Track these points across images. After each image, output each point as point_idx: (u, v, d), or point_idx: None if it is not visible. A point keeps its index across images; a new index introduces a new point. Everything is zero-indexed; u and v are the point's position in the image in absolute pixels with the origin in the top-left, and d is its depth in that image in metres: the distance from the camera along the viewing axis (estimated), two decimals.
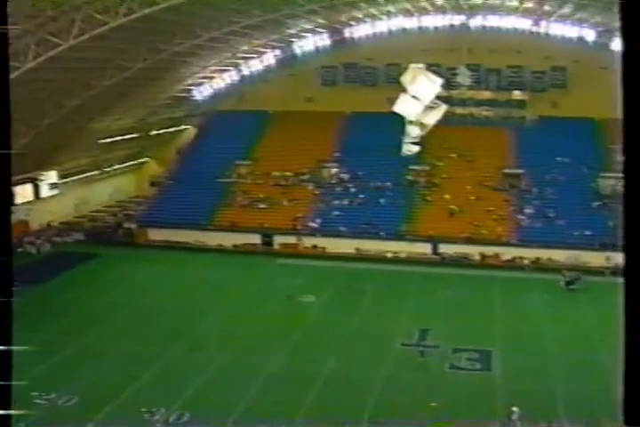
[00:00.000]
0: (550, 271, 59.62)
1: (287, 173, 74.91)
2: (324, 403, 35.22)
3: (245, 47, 76.11)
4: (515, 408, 33.00)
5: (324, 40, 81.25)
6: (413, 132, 33.86)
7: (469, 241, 64.92)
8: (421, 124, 33.38)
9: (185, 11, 52.03)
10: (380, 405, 35.09)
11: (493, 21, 78.64)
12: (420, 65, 34.28)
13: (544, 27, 77.65)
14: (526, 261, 63.36)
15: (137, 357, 40.82)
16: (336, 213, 69.51)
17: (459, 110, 76.99)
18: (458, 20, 78.69)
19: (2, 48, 7.71)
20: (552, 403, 35.76)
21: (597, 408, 34.97)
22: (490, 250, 64.64)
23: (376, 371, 39.32)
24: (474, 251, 64.61)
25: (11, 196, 7.90)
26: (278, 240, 67.71)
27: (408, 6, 75.40)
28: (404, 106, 32.38)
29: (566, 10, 70.69)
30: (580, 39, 77.43)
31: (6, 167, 7.66)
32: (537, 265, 62.61)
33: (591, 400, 35.78)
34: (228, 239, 67.32)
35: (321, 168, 76.22)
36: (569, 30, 77.36)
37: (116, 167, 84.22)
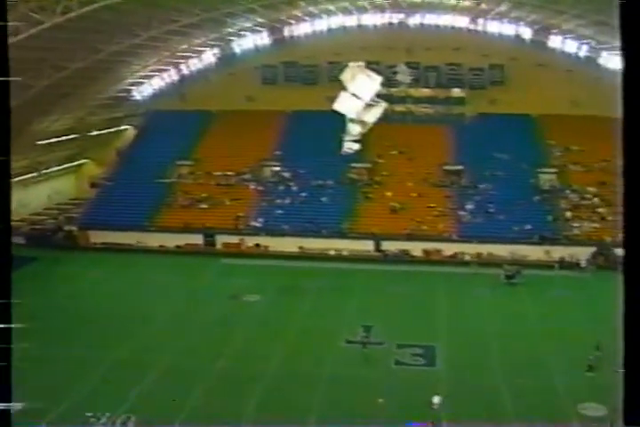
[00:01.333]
0: (492, 266, 60.37)
1: (229, 173, 74.58)
2: (270, 402, 35.19)
3: (185, 46, 75.63)
4: (436, 397, 33.50)
5: (263, 39, 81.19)
6: (354, 130, 33.90)
7: (411, 237, 65.35)
8: (362, 122, 33.43)
9: (123, 10, 51.46)
10: (326, 402, 35.22)
11: (432, 19, 79.37)
12: (360, 63, 34.30)
13: (482, 25, 78.59)
14: (468, 257, 64.02)
15: (80, 360, 40.31)
16: (278, 211, 69.43)
17: (399, 108, 77.61)
18: (397, 18, 79.25)
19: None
20: (496, 396, 36.26)
21: (540, 401, 35.80)
22: (432, 246, 65.10)
23: (322, 369, 39.42)
24: (416, 247, 65.00)
25: (9, 202, 7.76)
26: (221, 240, 67.33)
27: (347, 4, 75.68)
28: (344, 104, 32.40)
29: (503, 8, 71.56)
30: (517, 37, 78.52)
31: (5, 174, 7.56)
32: (479, 260, 63.32)
33: (534, 393, 36.54)
34: (171, 240, 66.78)
35: (262, 167, 76.08)
36: (506, 28, 78.40)
37: (54, 169, 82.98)
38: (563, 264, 62.09)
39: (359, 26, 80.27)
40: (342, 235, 66.13)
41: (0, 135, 7.47)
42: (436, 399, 33.79)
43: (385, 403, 34.02)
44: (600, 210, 68.27)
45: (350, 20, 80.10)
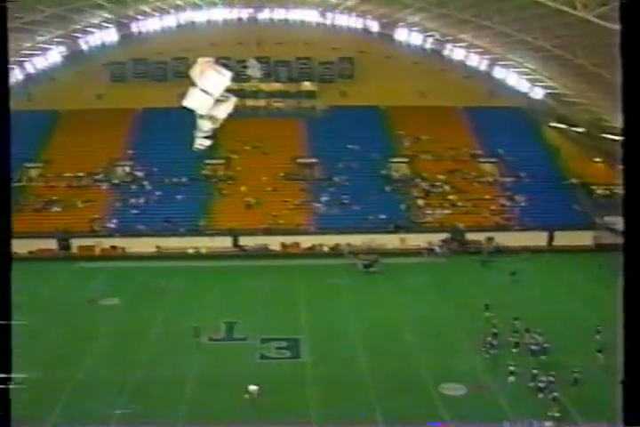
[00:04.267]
0: (350, 256, 61.50)
1: (80, 174, 72.68)
2: (139, 406, 34.56)
3: (29, 44, 73.15)
4: (252, 386, 34.07)
5: (111, 35, 79.32)
6: (205, 126, 33.60)
7: (269, 232, 65.67)
8: (212, 118, 33.17)
9: None
10: (196, 401, 34.90)
11: (281, 14, 79.76)
12: (209, 58, 34.08)
13: (330, 18, 79.56)
14: (326, 248, 64.87)
15: None
16: (133, 211, 68.29)
17: (251, 103, 77.65)
18: (246, 12, 79.23)
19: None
20: (362, 383, 36.91)
21: (404, 384, 36.69)
22: (290, 239, 65.64)
23: (189, 368, 39.02)
24: (274, 241, 65.38)
25: (9, 202, 7.30)
26: (76, 243, 65.52)
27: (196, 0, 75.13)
28: (194, 100, 32.05)
29: (351, 2, 72.65)
30: (365, 30, 79.93)
31: (7, 178, 7.16)
32: (336, 251, 64.25)
33: (398, 377, 37.44)
34: (23, 246, 64.25)
35: (115, 167, 74.61)
36: (354, 22, 79.67)
37: None
38: (418, 251, 63.78)
39: (208, 21, 79.84)
40: (199, 232, 65.72)
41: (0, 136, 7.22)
42: (252, 387, 34.12)
43: (253, 398, 34.06)
44: (450, 197, 70.50)
45: (199, 16, 79.54)
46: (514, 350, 41.10)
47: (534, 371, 37.29)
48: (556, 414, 33.04)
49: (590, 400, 33.92)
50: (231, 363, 40.03)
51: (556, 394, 34.29)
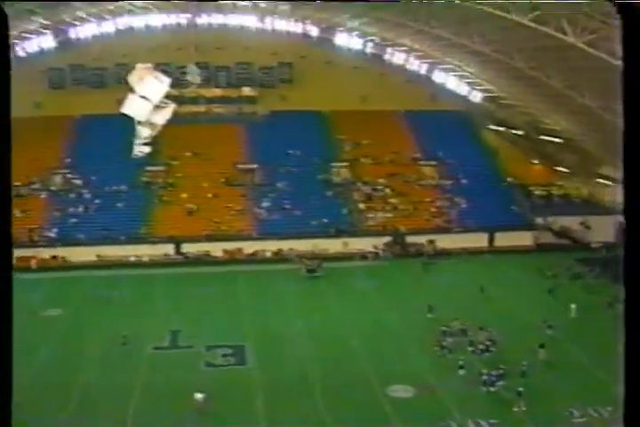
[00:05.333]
0: (291, 261, 61.54)
1: (17, 183, 71.13)
2: (82, 416, 34.01)
3: None
4: (198, 394, 33.99)
5: (48, 41, 77.80)
6: (144, 132, 33.36)
7: (211, 238, 65.23)
8: (151, 125, 32.96)
9: None
10: (141, 410, 34.51)
11: (220, 19, 79.38)
12: (148, 64, 33.85)
13: (270, 24, 79.40)
14: (268, 254, 64.73)
15: None
16: (73, 220, 67.24)
17: (190, 108, 77.16)
18: (185, 18, 78.65)
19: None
20: (310, 388, 36.86)
21: (352, 387, 36.73)
22: (232, 245, 65.29)
23: (134, 378, 38.53)
24: (216, 248, 64.98)
25: (9, 202, 6.99)
26: (15, 254, 64.10)
27: (134, 5, 74.30)
28: (133, 106, 31.83)
29: (290, 7, 72.58)
30: (305, 35, 79.95)
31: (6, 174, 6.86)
32: (279, 256, 64.17)
33: (345, 381, 37.48)
34: None
35: (53, 175, 73.38)
36: (294, 27, 79.62)
37: None
38: (361, 255, 64.03)
39: (147, 27, 79.07)
40: (141, 240, 65.02)
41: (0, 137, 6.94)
42: (198, 395, 33.99)
43: (199, 405, 33.82)
44: (392, 200, 70.90)
45: (138, 21, 78.73)
46: (464, 348, 41.70)
47: (483, 369, 38.07)
48: (523, 409, 33.87)
49: (537, 390, 35.20)
50: (177, 371, 39.66)
51: (520, 389, 34.78)
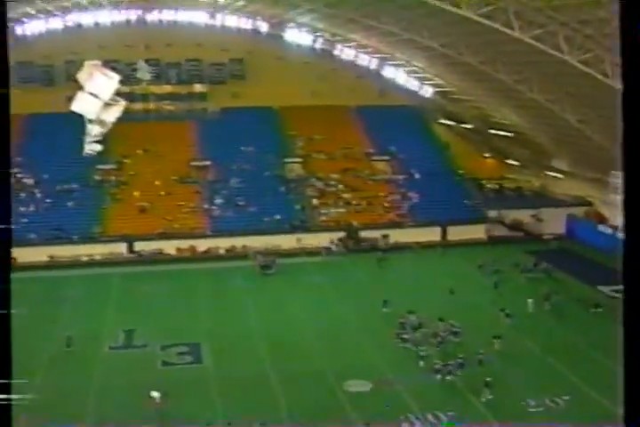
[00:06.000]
0: (246, 258, 61.41)
1: None
2: (35, 418, 33.54)
3: None
4: (154, 392, 34.03)
5: None
6: (94, 130, 32.98)
7: (164, 236, 64.76)
8: (102, 122, 32.59)
9: None
10: (97, 410, 34.24)
11: (170, 15, 78.80)
12: (97, 61, 33.48)
13: (220, 20, 79.01)
14: (222, 251, 64.49)
15: None
16: (23, 220, 66.05)
17: (141, 106, 76.62)
18: (134, 14, 77.94)
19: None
20: (267, 385, 36.85)
21: (309, 384, 36.81)
22: (185, 243, 64.95)
23: (89, 379, 38.15)
24: (170, 245, 64.57)
25: (9, 202, 6.80)
26: None
27: (83, 1, 73.37)
28: (83, 104, 31.44)
29: (240, 3, 72.30)
30: (255, 31, 79.74)
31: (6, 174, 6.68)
32: (233, 253, 63.99)
33: (302, 377, 37.55)
34: None
35: None
36: (244, 22, 79.35)
37: None
38: (315, 250, 64.07)
39: (96, 24, 78.15)
40: (93, 239, 64.33)
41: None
42: (155, 394, 33.94)
43: (156, 404, 33.65)
44: (345, 195, 71.05)
45: (87, 18, 77.76)
46: (424, 340, 42.10)
47: (442, 360, 38.76)
48: (489, 397, 34.44)
49: (494, 381, 35.56)
50: (132, 371, 39.37)
51: (488, 379, 35.33)
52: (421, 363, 38.84)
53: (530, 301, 48.10)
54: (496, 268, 56.61)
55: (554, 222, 69.74)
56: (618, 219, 65.57)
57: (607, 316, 44.68)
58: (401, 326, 43.64)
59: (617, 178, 61.28)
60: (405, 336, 42.51)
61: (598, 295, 50.04)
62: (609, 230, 64.19)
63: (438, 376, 37.19)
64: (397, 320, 44.21)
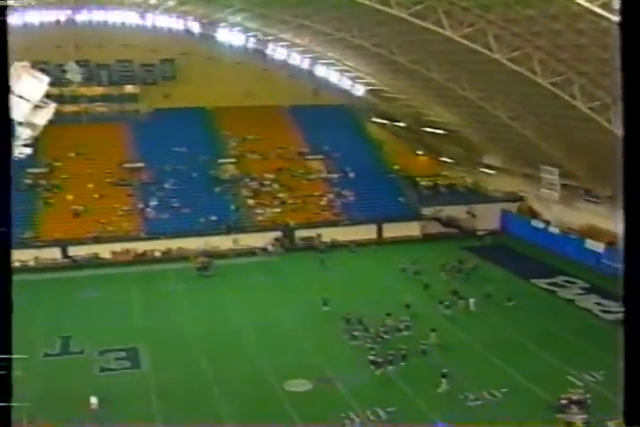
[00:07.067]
0: (182, 260, 61.00)
1: None
2: None
3: None
4: (93, 398, 33.85)
5: None
6: (24, 133, 32.31)
7: (98, 240, 63.90)
8: (31, 125, 31.94)
9: None
10: (35, 418, 33.64)
11: (100, 16, 77.66)
12: (25, 63, 32.88)
13: (151, 20, 78.18)
14: (158, 253, 63.95)
15: None
16: None
17: (72, 108, 75.59)
18: (63, 15, 76.59)
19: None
20: (206, 389, 36.67)
21: (249, 386, 36.76)
22: (120, 246, 64.19)
23: (24, 387, 37.35)
24: (104, 249, 63.75)
25: (9, 202, 6.59)
26: None
27: (11, 1, 71.89)
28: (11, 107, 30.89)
29: (171, 3, 71.66)
30: (187, 31, 79.14)
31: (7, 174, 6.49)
32: (169, 255, 63.54)
33: (242, 379, 37.52)
34: None
35: None
36: (175, 23, 78.66)
37: None
38: (251, 250, 64.02)
39: (24, 24, 76.57)
40: (26, 245, 62.97)
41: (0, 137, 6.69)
42: (93, 400, 33.69)
43: (94, 410, 33.30)
44: (280, 195, 71.09)
45: (14, 18, 76.16)
46: (367, 337, 42.61)
47: (383, 353, 39.27)
48: (445, 387, 35.46)
49: (432, 374, 36.51)
50: (70, 378, 38.86)
51: (445, 370, 36.25)
52: (369, 357, 39.06)
53: (472, 300, 48.56)
54: (422, 268, 57.22)
55: (488, 218, 70.77)
56: (549, 213, 66.92)
57: (538, 309, 45.78)
58: (347, 323, 43.96)
59: (547, 173, 62.53)
60: (355, 333, 42.95)
61: (533, 289, 51.03)
62: (541, 225, 65.43)
63: (379, 371, 37.55)
64: (343, 317, 44.67)
